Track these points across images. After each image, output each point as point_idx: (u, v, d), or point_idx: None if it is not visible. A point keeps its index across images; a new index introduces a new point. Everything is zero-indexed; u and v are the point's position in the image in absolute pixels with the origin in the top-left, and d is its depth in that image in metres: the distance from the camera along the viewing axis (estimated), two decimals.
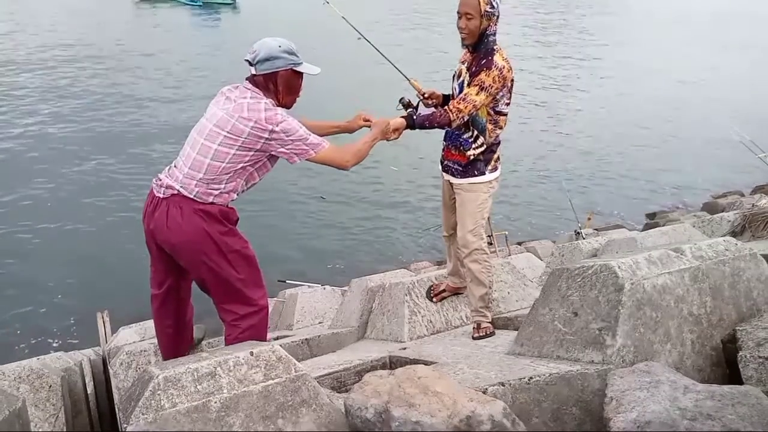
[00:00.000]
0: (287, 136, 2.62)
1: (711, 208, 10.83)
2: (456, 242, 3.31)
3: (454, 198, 3.26)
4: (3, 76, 17.34)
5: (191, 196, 2.62)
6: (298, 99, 2.84)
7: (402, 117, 3.04)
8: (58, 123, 14.22)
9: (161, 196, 2.66)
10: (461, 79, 3.11)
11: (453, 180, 3.21)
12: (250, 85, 2.70)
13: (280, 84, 2.70)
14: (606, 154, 15.13)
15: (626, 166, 14.45)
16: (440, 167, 3.33)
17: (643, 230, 8.16)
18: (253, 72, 2.69)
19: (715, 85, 21.98)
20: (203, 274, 2.74)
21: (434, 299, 3.65)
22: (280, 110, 2.64)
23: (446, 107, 3.00)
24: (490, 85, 2.94)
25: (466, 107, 2.95)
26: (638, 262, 2.19)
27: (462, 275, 3.42)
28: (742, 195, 11.84)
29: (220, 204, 2.67)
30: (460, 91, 3.07)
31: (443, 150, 3.26)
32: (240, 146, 2.60)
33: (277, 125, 2.58)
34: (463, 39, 3.04)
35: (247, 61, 2.69)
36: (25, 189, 11.00)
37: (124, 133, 13.32)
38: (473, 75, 3.01)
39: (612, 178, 13.84)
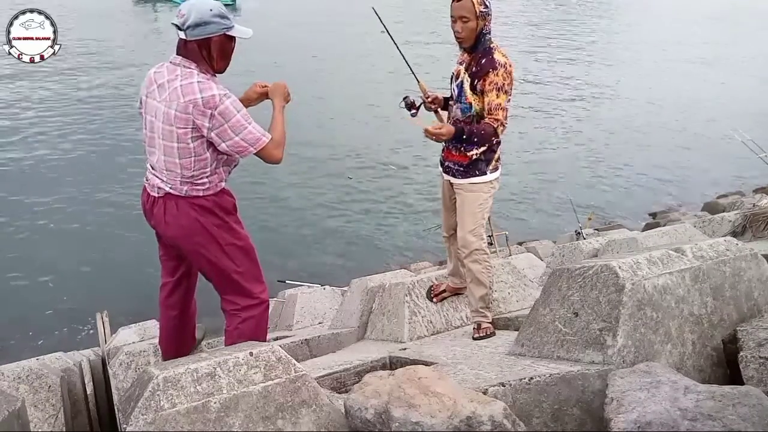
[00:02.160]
0: (225, 121, 2.47)
1: (712, 208, 10.82)
2: (456, 242, 3.30)
3: (455, 198, 3.25)
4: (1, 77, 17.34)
5: (182, 195, 2.63)
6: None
7: (452, 126, 2.99)
8: (56, 124, 14.22)
9: (156, 195, 2.68)
10: (460, 80, 3.08)
11: (454, 180, 3.19)
12: (178, 59, 2.56)
13: (214, 50, 2.55)
14: (607, 153, 15.13)
15: (627, 165, 14.45)
16: (440, 168, 3.31)
17: (643, 230, 8.15)
18: (183, 37, 2.52)
19: (716, 85, 21.98)
20: (203, 265, 2.78)
21: (434, 300, 3.64)
22: (215, 87, 2.49)
23: (485, 122, 2.96)
24: (503, 83, 2.93)
25: (501, 114, 2.94)
26: (639, 263, 2.19)
27: (462, 276, 3.41)
28: (743, 195, 11.83)
29: (212, 194, 2.66)
30: (460, 93, 3.06)
31: (443, 151, 3.24)
32: (193, 136, 2.51)
33: (215, 109, 2.45)
34: (460, 42, 3.01)
35: (175, 25, 2.53)
36: (24, 190, 11.00)
37: (123, 133, 13.33)
38: (475, 76, 2.98)
39: (613, 177, 13.84)
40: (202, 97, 2.45)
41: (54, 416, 2.96)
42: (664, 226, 6.94)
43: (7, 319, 7.58)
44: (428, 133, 2.90)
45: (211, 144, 2.56)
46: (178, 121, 2.49)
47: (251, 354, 1.73)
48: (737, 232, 5.25)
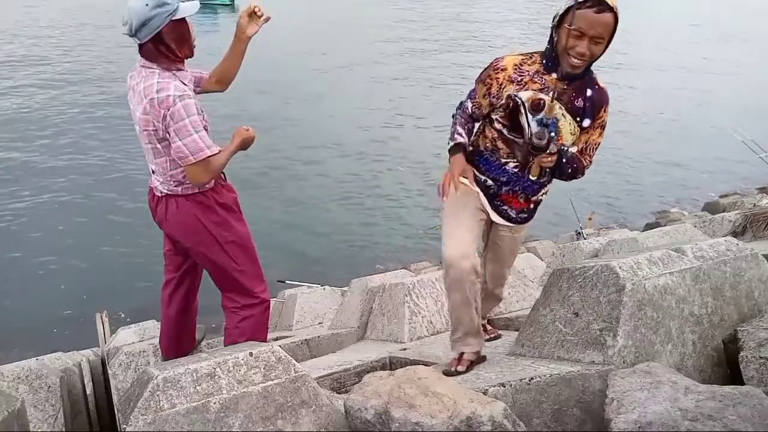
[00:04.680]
0: (174, 123, 2.42)
1: (712, 208, 10.82)
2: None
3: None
4: (3, 76, 17.35)
5: (181, 194, 2.67)
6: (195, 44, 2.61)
7: (555, 154, 2.25)
8: (56, 125, 14.22)
9: (159, 195, 2.73)
10: (543, 114, 2.22)
11: (511, 225, 2.55)
12: (144, 61, 2.54)
13: (170, 41, 2.48)
14: (607, 153, 15.11)
15: (627, 165, 14.44)
16: (490, 209, 2.49)
17: (644, 230, 8.15)
18: (138, 42, 2.48)
19: (716, 84, 21.98)
20: (204, 262, 2.81)
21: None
22: (172, 88, 2.44)
23: (580, 158, 2.38)
24: (606, 121, 2.36)
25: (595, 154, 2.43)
26: (639, 263, 2.18)
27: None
28: (743, 195, 11.83)
29: (211, 190, 2.68)
30: (550, 130, 2.22)
31: (501, 195, 2.45)
32: (157, 137, 2.51)
33: (168, 109, 2.42)
34: (574, 68, 2.17)
35: (127, 34, 2.48)
36: (24, 190, 11.00)
37: (122, 134, 13.32)
38: (584, 112, 2.27)
39: (613, 177, 13.83)
40: (157, 97, 2.43)
41: (54, 416, 2.95)
42: (664, 226, 6.93)
43: (7, 319, 7.57)
44: (544, 163, 2.25)
45: None
46: (143, 123, 2.51)
47: (251, 354, 1.73)
48: (737, 232, 5.25)
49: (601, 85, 2.30)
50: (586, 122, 2.29)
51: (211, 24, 26.65)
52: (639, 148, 15.51)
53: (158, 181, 2.69)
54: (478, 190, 2.47)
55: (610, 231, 8.92)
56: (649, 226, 9.51)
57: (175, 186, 2.65)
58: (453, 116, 2.51)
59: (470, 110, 2.43)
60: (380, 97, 17.60)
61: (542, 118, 2.23)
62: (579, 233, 8.46)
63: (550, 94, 2.22)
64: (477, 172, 2.45)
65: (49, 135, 13.54)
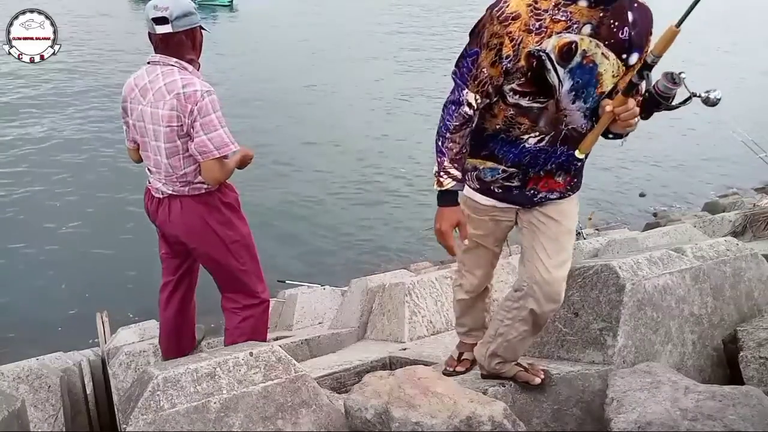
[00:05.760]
0: (201, 117, 2.43)
1: (712, 208, 10.82)
2: (485, 299, 2.26)
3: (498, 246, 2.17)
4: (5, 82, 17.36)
5: (186, 194, 2.65)
6: None
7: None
8: (54, 125, 14.22)
9: (159, 196, 2.70)
10: (580, 59, 1.65)
11: (546, 205, 1.94)
12: (157, 57, 2.52)
13: (198, 40, 2.59)
14: (606, 153, 15.13)
15: (627, 165, 14.45)
16: (493, 201, 1.98)
17: (644, 230, 8.15)
18: (168, 30, 2.46)
19: (716, 84, 21.95)
20: (208, 262, 2.80)
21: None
22: (198, 83, 2.47)
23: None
24: None
25: None
26: (639, 263, 2.19)
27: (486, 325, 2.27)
28: (743, 195, 11.84)
29: (215, 189, 2.67)
30: (590, 81, 1.70)
31: (531, 179, 1.88)
32: (179, 133, 2.50)
33: (195, 104, 2.43)
34: None
35: (156, 19, 2.45)
36: (23, 190, 11.00)
37: (122, 133, 13.36)
38: (634, 47, 1.70)
39: (613, 178, 13.84)
40: (184, 92, 2.44)
41: (54, 416, 2.95)
42: (664, 226, 6.94)
43: (7, 319, 7.57)
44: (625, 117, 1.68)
45: None
46: (165, 119, 2.49)
47: (251, 354, 1.74)
48: (737, 232, 5.26)
49: (641, 0, 1.72)
50: (634, 57, 1.70)
51: (209, 25, 26.65)
52: (639, 147, 15.51)
53: (160, 182, 2.65)
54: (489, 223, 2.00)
55: (610, 231, 8.92)
56: (649, 226, 9.51)
57: (182, 186, 2.62)
58: (440, 129, 1.83)
59: (473, 105, 1.74)
60: (381, 95, 17.61)
61: (583, 64, 1.64)
62: (579, 233, 8.45)
63: (584, 29, 1.62)
64: (493, 163, 1.87)
65: (49, 136, 13.55)
